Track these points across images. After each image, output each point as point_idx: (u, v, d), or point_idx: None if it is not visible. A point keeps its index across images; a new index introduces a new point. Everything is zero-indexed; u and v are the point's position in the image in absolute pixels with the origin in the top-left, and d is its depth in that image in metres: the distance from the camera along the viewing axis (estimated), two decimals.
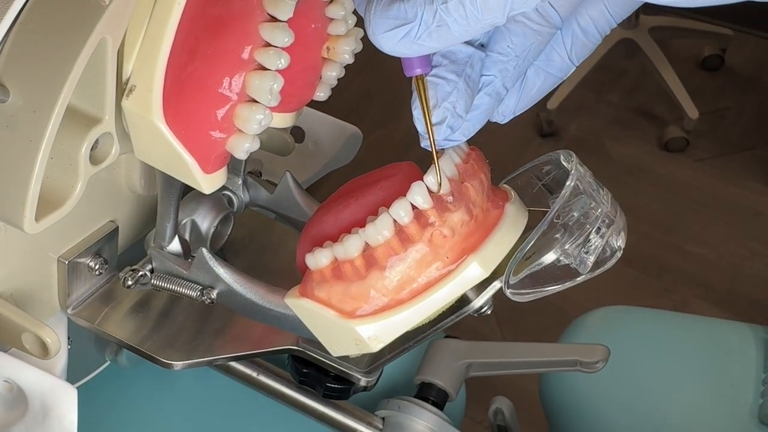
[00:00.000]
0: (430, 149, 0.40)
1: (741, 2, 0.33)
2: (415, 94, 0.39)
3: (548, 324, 1.27)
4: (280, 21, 0.40)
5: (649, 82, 2.10)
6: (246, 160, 0.55)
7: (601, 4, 0.38)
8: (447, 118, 0.39)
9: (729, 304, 1.62)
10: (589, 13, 0.39)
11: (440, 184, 0.40)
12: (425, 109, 0.39)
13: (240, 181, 0.55)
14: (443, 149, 0.41)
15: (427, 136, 0.39)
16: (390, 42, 0.35)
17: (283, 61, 0.41)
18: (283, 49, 0.41)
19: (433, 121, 0.39)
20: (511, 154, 1.89)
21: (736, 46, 2.19)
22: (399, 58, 0.38)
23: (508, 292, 0.41)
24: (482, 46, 0.39)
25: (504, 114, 0.42)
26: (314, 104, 0.51)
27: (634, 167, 1.93)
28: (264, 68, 0.41)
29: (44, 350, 0.44)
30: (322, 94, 0.48)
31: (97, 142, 0.42)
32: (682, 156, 1.97)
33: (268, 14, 0.41)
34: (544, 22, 0.38)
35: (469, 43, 0.38)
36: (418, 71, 0.38)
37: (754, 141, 2.01)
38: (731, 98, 2.12)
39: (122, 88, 0.41)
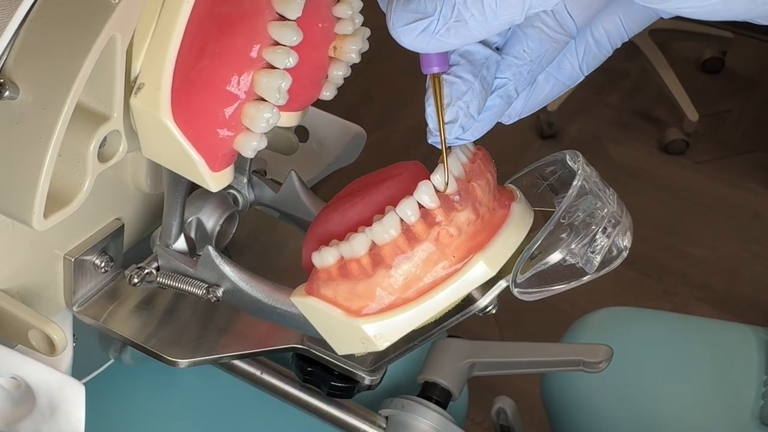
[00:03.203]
0: (437, 146, 0.40)
1: None
2: (429, 91, 0.39)
3: (548, 325, 1.27)
4: (289, 20, 0.41)
5: (649, 85, 2.10)
6: (251, 159, 0.55)
7: (616, 16, 0.39)
8: (459, 118, 0.39)
9: (729, 305, 1.62)
10: (603, 25, 0.39)
11: (447, 183, 0.40)
12: (439, 107, 0.39)
13: (245, 180, 0.56)
14: (450, 148, 0.41)
15: (436, 133, 0.39)
16: (409, 36, 0.36)
17: (291, 60, 0.41)
18: (291, 47, 0.41)
19: (446, 119, 0.39)
20: (512, 155, 1.89)
21: (737, 49, 2.19)
22: (414, 57, 0.38)
23: (515, 291, 0.41)
24: (498, 50, 0.39)
25: (510, 115, 0.42)
26: (316, 103, 0.51)
27: (634, 169, 1.93)
28: (272, 67, 0.41)
29: (51, 347, 0.44)
30: (328, 94, 0.48)
31: (105, 139, 0.42)
32: (682, 158, 1.97)
33: (276, 13, 0.41)
34: (560, 29, 0.38)
35: (486, 45, 0.39)
36: (436, 69, 0.38)
37: (754, 144, 2.02)
38: (731, 101, 2.13)
39: (131, 85, 0.41)
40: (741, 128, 2.06)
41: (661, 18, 0.38)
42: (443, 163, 0.40)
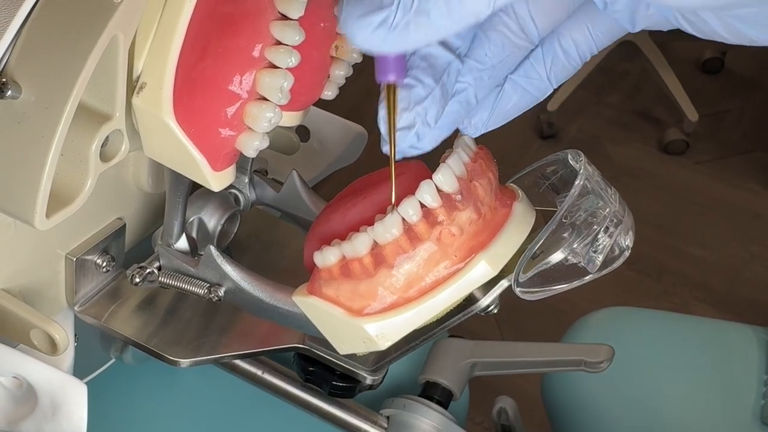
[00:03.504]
0: (389, 154, 0.39)
1: None
2: (382, 95, 0.37)
3: (547, 325, 1.27)
4: (291, 19, 0.41)
5: (649, 85, 2.10)
6: (253, 159, 0.55)
7: (584, 27, 0.38)
8: (416, 125, 0.37)
9: (728, 306, 1.62)
10: (572, 34, 0.38)
11: (393, 197, 0.40)
12: (391, 116, 0.37)
13: (247, 180, 0.56)
14: (449, 150, 0.41)
15: (388, 139, 0.38)
16: (364, 31, 0.32)
17: (293, 60, 0.41)
18: (293, 47, 0.41)
19: (402, 125, 0.37)
20: (512, 155, 1.89)
21: (737, 49, 2.19)
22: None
23: (517, 290, 0.41)
24: (460, 58, 0.38)
25: (476, 126, 0.40)
26: (317, 103, 0.51)
27: (634, 169, 1.93)
28: (274, 66, 0.41)
29: (53, 347, 0.44)
30: (329, 93, 0.48)
31: (107, 139, 0.42)
32: (682, 158, 1.97)
33: (279, 12, 0.41)
34: (522, 34, 0.37)
35: (449, 50, 0.37)
36: (392, 77, 0.36)
37: (754, 144, 2.02)
38: (731, 101, 2.13)
39: (133, 85, 0.41)
40: (741, 128, 2.06)
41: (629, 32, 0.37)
42: (390, 169, 0.39)
